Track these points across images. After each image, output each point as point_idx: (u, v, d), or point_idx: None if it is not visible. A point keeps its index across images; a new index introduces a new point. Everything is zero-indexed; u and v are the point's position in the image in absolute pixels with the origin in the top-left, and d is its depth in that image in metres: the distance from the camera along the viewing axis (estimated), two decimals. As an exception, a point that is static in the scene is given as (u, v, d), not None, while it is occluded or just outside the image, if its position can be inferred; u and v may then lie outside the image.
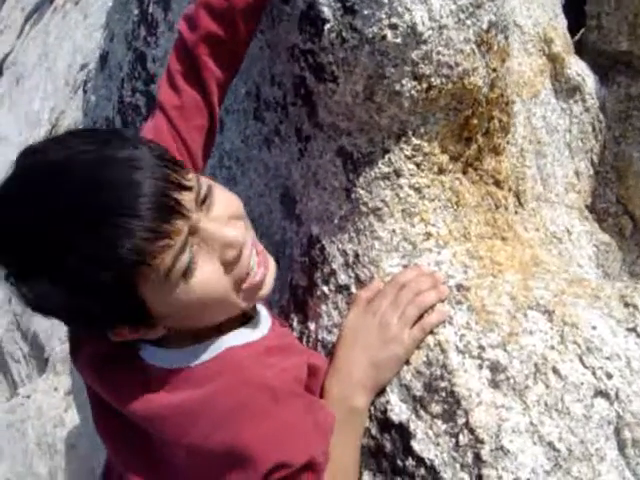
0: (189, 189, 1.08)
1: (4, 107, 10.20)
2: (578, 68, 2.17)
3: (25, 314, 7.27)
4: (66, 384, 6.07)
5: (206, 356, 1.18)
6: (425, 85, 1.30)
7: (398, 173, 1.37)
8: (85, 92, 2.88)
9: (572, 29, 2.30)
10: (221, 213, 1.15)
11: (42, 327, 6.85)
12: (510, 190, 1.61)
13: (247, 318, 1.30)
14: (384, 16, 1.23)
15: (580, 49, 2.42)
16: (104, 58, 2.59)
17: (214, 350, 1.19)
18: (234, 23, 1.36)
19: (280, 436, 1.14)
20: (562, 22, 2.21)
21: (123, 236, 0.98)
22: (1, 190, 1.05)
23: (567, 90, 2.14)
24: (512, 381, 1.20)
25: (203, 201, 1.12)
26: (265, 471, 1.10)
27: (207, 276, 1.10)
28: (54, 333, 6.61)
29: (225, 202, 1.17)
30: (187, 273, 1.07)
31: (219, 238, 1.11)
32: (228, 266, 1.14)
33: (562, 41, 2.14)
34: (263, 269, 1.22)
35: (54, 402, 6.06)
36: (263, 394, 1.15)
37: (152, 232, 1.00)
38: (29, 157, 1.08)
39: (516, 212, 1.65)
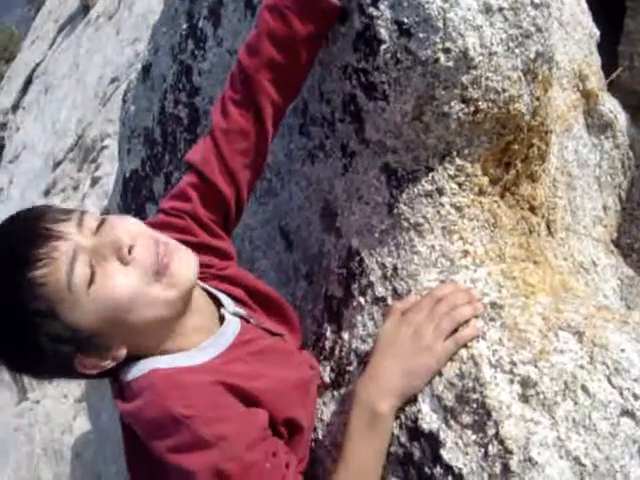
0: (65, 220, 1.23)
1: (31, 115, 10.31)
2: (610, 105, 2.22)
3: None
4: (76, 392, 6.08)
5: (137, 373, 1.29)
6: (472, 108, 1.35)
7: (441, 191, 1.42)
8: (124, 102, 2.95)
9: (604, 68, 2.36)
10: (118, 236, 1.25)
11: (56, 333, 6.87)
12: (543, 217, 1.66)
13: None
14: (438, 40, 1.29)
15: (612, 87, 2.48)
16: (147, 69, 2.65)
17: (142, 369, 1.29)
18: (296, 50, 1.42)
19: (177, 452, 1.23)
20: (597, 60, 2.27)
21: (13, 272, 1.18)
22: None
23: (599, 126, 2.19)
24: (542, 396, 1.23)
25: (95, 231, 1.25)
26: None
27: (109, 277, 1.22)
28: (67, 341, 6.62)
29: (121, 227, 1.28)
30: (90, 281, 1.20)
31: (105, 245, 1.23)
32: (128, 264, 1.24)
33: (596, 78, 2.19)
34: (169, 258, 1.28)
35: (63, 409, 6.07)
36: (164, 416, 1.23)
37: (28, 260, 1.17)
38: None
39: (547, 240, 1.70)
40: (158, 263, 1.26)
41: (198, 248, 1.47)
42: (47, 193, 8.68)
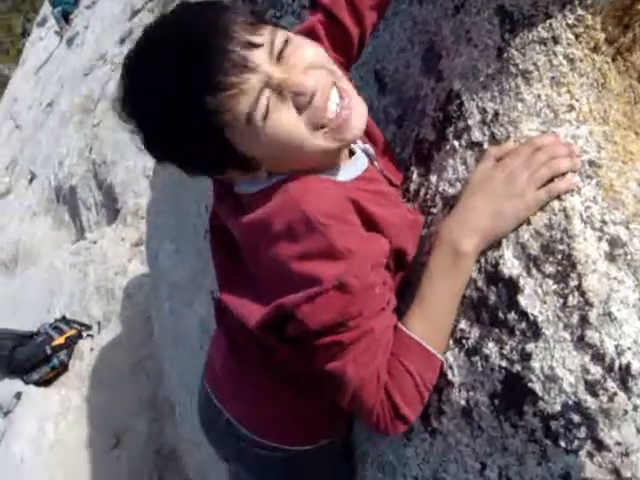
0: (258, 46, 1.21)
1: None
2: None
3: (104, 165, 7.43)
4: (133, 236, 6.24)
5: (262, 185, 1.33)
6: (604, -46, 1.29)
7: (556, 40, 1.37)
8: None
9: None
10: (297, 63, 1.25)
11: (119, 180, 7.01)
12: (650, 91, 1.60)
13: None
14: None
15: None
16: None
17: (267, 182, 1.32)
18: None
19: (305, 259, 1.25)
20: None
21: (201, 91, 1.18)
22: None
23: None
24: (629, 257, 1.22)
25: (279, 55, 1.23)
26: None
27: (281, 119, 1.24)
28: (129, 186, 6.76)
29: (302, 53, 1.27)
30: (265, 116, 1.22)
31: (290, 86, 1.23)
32: (302, 110, 1.25)
33: None
34: (345, 111, 1.29)
35: (120, 251, 6.24)
36: (298, 220, 1.25)
37: (219, 86, 1.17)
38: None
39: (649, 116, 1.65)
40: (330, 124, 1.28)
41: None
42: (122, 42, 8.67)
